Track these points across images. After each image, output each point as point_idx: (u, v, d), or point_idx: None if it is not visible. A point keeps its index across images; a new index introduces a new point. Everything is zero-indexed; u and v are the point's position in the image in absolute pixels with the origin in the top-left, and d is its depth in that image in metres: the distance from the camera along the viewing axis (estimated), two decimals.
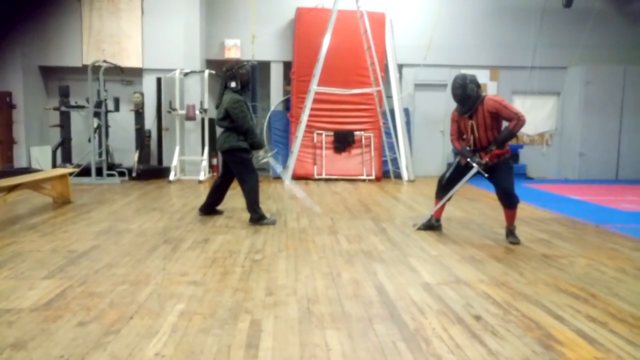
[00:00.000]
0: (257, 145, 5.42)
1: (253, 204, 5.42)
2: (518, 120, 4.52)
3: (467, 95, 4.73)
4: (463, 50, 10.90)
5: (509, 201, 4.76)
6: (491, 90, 11.09)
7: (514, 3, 10.91)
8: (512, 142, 10.98)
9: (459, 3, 10.79)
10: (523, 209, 6.57)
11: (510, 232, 4.83)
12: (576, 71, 10.79)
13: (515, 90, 10.94)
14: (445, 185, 5.09)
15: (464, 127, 4.90)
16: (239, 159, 5.40)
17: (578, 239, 4.96)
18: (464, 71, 10.93)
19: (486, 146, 4.75)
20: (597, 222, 5.74)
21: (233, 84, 5.36)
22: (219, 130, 5.77)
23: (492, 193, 8.17)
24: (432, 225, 5.23)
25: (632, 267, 3.95)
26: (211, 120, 10.47)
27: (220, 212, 5.93)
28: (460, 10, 10.82)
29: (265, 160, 5.55)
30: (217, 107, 5.59)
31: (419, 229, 5.26)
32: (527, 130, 11.27)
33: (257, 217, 5.42)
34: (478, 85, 4.80)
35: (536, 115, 11.17)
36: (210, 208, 5.86)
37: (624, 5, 11.08)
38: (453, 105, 11.52)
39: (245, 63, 5.48)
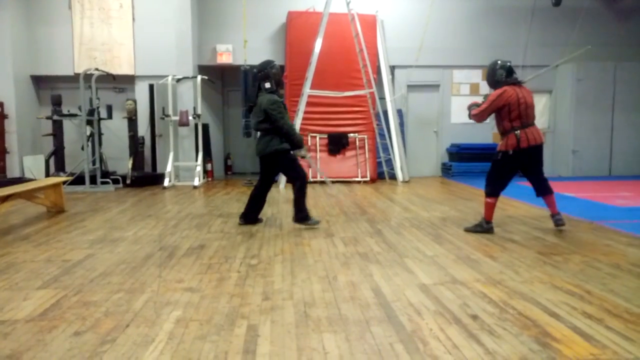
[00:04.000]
0: (298, 145, 5.29)
1: (300, 203, 5.34)
2: (475, 110, 5.02)
3: (495, 81, 4.98)
4: (455, 50, 10.96)
5: (485, 189, 5.10)
6: (484, 89, 11.13)
7: (504, 3, 10.97)
8: None
9: (449, 4, 10.85)
10: (518, 207, 6.63)
11: (480, 225, 5.10)
12: (567, 69, 10.86)
13: None
14: (532, 185, 5.28)
15: None
16: (286, 161, 5.33)
17: (572, 236, 4.98)
18: (458, 71, 11.11)
19: (501, 134, 5.02)
20: (591, 218, 5.76)
21: (268, 85, 5.24)
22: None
23: None
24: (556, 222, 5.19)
25: (627, 263, 3.96)
26: (205, 126, 10.47)
27: (260, 220, 5.73)
28: (450, 11, 10.88)
29: (306, 158, 5.48)
30: (249, 111, 5.47)
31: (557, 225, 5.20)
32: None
33: (302, 216, 5.35)
34: (510, 72, 4.95)
35: None
36: (254, 217, 5.64)
37: (613, 3, 11.18)
38: (447, 105, 11.57)
39: (274, 61, 5.42)
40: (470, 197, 7.70)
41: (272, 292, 3.32)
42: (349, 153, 10.13)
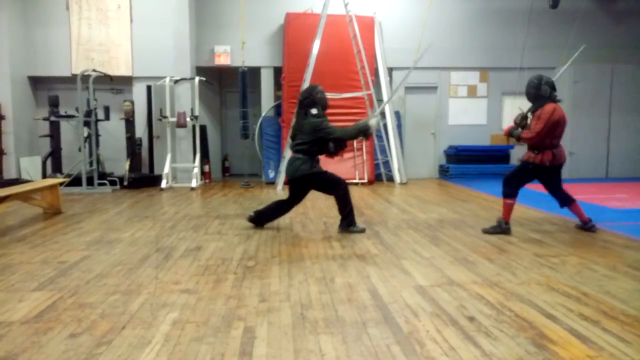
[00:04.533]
0: (364, 132, 5.14)
1: (345, 208, 5.26)
2: (528, 133, 4.97)
3: (539, 96, 4.97)
4: (452, 52, 10.98)
5: (503, 188, 5.21)
6: (481, 91, 11.15)
7: (501, 5, 10.99)
8: (503, 142, 11.07)
9: (446, 6, 10.86)
10: (515, 209, 6.59)
11: (499, 223, 5.17)
12: (564, 71, 10.86)
13: (505, 92, 11.02)
14: (555, 197, 5.36)
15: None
16: (319, 179, 5.25)
17: (569, 237, 4.99)
18: (455, 73, 11.13)
19: (533, 146, 5.02)
20: None
21: (315, 111, 5.14)
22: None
23: (483, 194, 8.24)
24: (582, 227, 5.32)
25: (623, 265, 3.97)
26: (202, 127, 10.45)
27: (262, 225, 5.65)
28: (448, 13, 10.90)
29: (377, 123, 5.33)
30: (292, 137, 5.41)
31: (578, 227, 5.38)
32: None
33: (346, 223, 5.28)
34: (553, 88, 5.00)
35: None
36: (264, 222, 5.59)
37: (610, 5, 11.21)
38: (444, 107, 11.55)
39: (319, 86, 5.37)
40: (468, 199, 7.70)
41: (269, 294, 3.31)
42: (346, 155, 10.09)
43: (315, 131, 5.11)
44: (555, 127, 4.92)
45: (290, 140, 5.45)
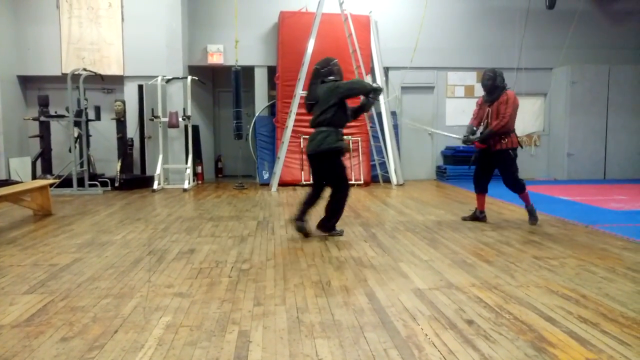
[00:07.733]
0: (375, 90, 5.06)
1: (336, 213, 5.08)
2: (500, 121, 5.38)
3: (495, 86, 5.49)
4: (449, 52, 10.96)
5: (514, 190, 5.58)
6: (479, 91, 11.14)
7: (498, 5, 10.99)
8: None
9: (443, 5, 10.85)
10: (514, 211, 6.61)
11: (529, 213, 5.57)
12: (562, 72, 10.90)
13: None
14: (477, 180, 5.80)
15: (483, 113, 5.63)
16: (336, 163, 4.97)
17: (568, 239, 4.97)
18: (452, 73, 11.13)
19: (501, 134, 5.44)
20: (586, 222, 5.75)
21: (332, 77, 5.05)
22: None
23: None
24: (477, 217, 5.87)
25: (622, 267, 3.95)
26: (195, 127, 10.37)
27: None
28: (445, 13, 10.88)
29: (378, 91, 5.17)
30: (309, 110, 5.12)
31: (464, 219, 5.95)
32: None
33: (329, 225, 5.09)
34: (503, 79, 5.55)
35: (524, 116, 11.25)
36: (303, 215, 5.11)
37: (607, 6, 11.25)
38: (441, 107, 11.54)
39: (335, 58, 5.26)
40: (466, 201, 7.67)
41: (264, 298, 3.26)
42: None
43: (333, 92, 4.90)
44: (516, 110, 5.45)
45: (312, 114, 5.10)
